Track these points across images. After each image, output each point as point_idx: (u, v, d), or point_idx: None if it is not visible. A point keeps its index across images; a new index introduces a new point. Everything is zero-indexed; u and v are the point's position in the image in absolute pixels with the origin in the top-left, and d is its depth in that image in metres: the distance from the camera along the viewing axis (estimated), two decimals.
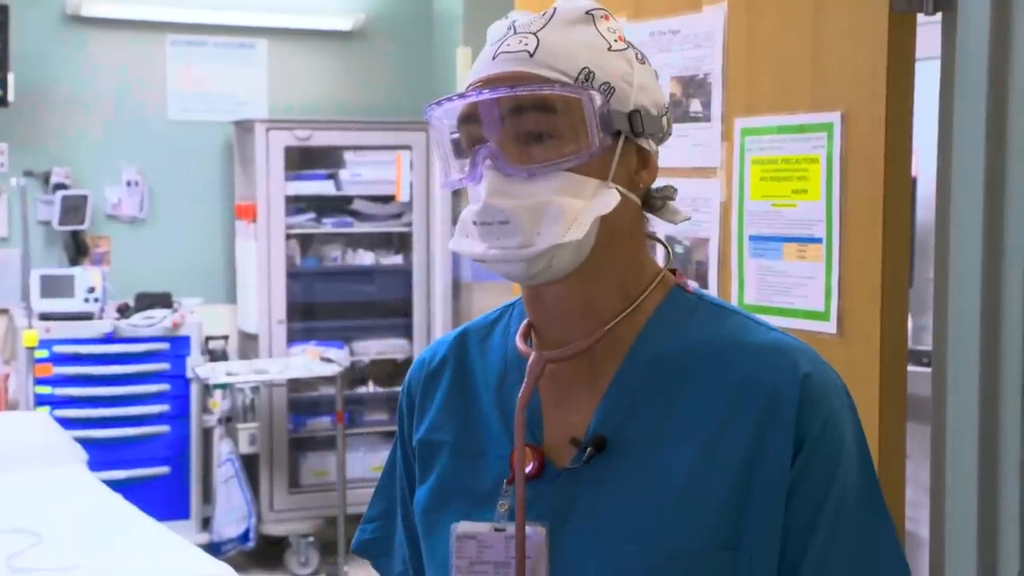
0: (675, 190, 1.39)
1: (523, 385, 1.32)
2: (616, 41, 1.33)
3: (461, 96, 1.30)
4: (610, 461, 1.30)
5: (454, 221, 5.80)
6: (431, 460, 1.43)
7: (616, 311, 1.32)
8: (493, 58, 1.30)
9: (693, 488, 1.27)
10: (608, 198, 1.27)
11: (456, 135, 1.33)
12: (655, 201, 1.37)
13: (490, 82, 1.29)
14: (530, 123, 1.27)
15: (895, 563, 1.32)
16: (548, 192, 1.25)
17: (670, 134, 1.38)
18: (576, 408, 1.34)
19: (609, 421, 1.31)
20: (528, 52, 1.28)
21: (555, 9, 1.33)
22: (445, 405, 1.44)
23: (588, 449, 1.30)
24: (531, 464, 1.32)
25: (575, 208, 1.25)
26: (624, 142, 1.30)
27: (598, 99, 1.27)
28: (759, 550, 1.26)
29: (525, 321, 1.39)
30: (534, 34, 1.30)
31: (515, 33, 1.31)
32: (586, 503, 1.30)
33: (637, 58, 1.34)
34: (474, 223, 1.28)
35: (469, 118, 1.30)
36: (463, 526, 1.34)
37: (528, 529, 1.29)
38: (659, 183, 1.38)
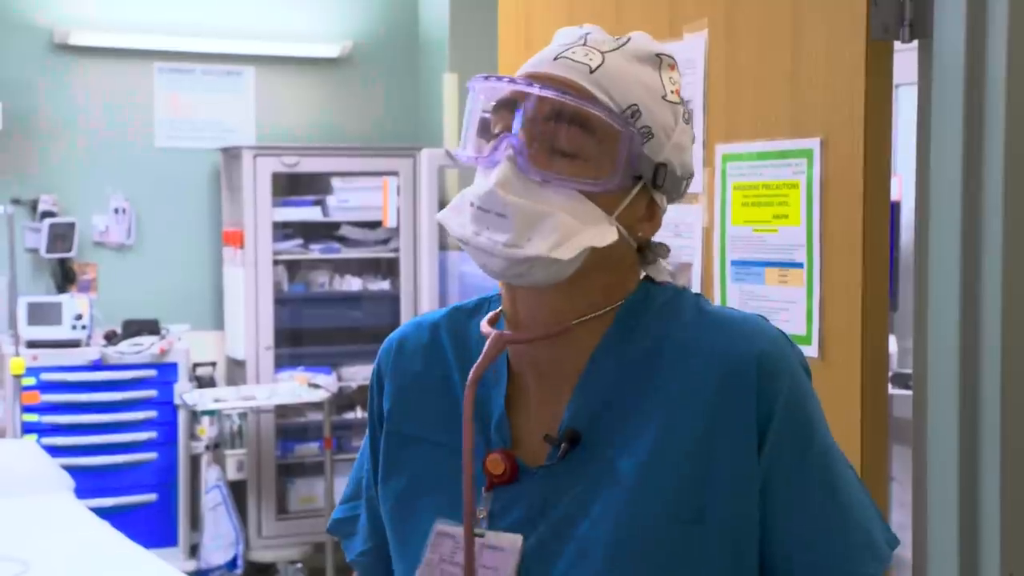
0: (668, 250, 1.40)
1: (478, 361, 1.33)
2: (672, 93, 1.33)
3: (512, 80, 1.29)
4: (585, 455, 1.31)
5: (441, 247, 5.84)
6: (403, 451, 1.43)
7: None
8: (555, 59, 1.30)
9: (654, 462, 1.27)
10: (606, 233, 1.28)
11: (487, 114, 1.33)
12: (647, 254, 1.38)
13: (543, 79, 1.29)
14: (564, 135, 1.27)
15: (867, 504, 1.35)
16: (553, 204, 1.26)
17: (681, 197, 1.39)
18: (547, 410, 1.35)
19: (581, 416, 1.32)
20: (589, 68, 1.28)
21: (629, 39, 1.34)
22: (418, 396, 1.44)
23: (562, 445, 1.30)
24: (503, 469, 1.32)
25: (572, 228, 1.25)
26: (640, 188, 1.31)
27: (636, 140, 1.28)
28: (727, 525, 1.27)
29: (496, 310, 1.40)
30: (602, 53, 1.30)
31: (584, 44, 1.31)
32: (562, 500, 1.30)
33: (684, 117, 1.35)
34: (471, 204, 1.28)
35: (508, 104, 1.30)
36: (443, 525, 1.34)
37: (501, 539, 1.31)
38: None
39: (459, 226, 1.29)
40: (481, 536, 1.32)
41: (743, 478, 1.27)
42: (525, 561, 1.30)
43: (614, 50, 1.31)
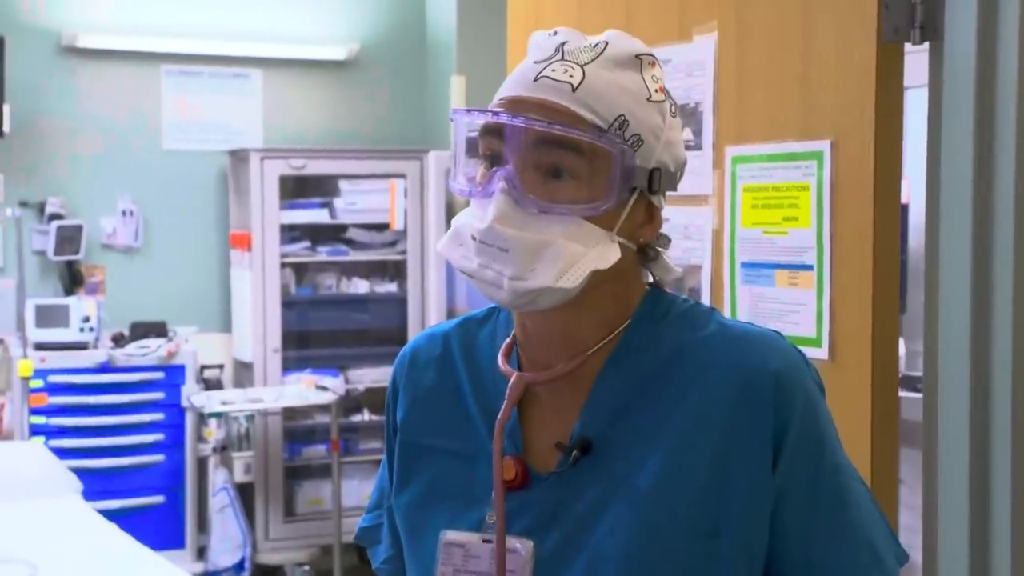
0: (669, 241, 1.39)
1: (503, 406, 1.33)
2: (656, 92, 1.31)
3: (495, 113, 1.28)
4: (596, 463, 1.31)
5: None
6: (417, 461, 1.43)
7: (598, 339, 1.33)
8: (535, 79, 1.28)
9: (670, 474, 1.27)
10: (609, 252, 1.27)
11: (474, 134, 1.31)
12: (649, 251, 1.36)
13: (525, 104, 1.27)
14: (555, 158, 1.25)
15: (877, 519, 1.35)
16: (554, 232, 1.25)
17: (678, 184, 1.38)
18: (559, 417, 1.34)
19: (593, 425, 1.32)
20: (571, 86, 1.26)
21: (607, 43, 1.31)
22: (431, 407, 1.44)
23: (573, 452, 1.30)
24: (514, 475, 1.32)
25: (575, 254, 1.25)
26: (637, 196, 1.30)
27: (628, 155, 1.26)
28: (740, 540, 1.27)
29: (509, 338, 1.39)
30: (581, 66, 1.28)
31: (562, 59, 1.29)
32: (573, 508, 1.31)
33: (671, 111, 1.33)
34: (473, 237, 1.27)
35: (494, 132, 1.28)
36: (452, 534, 1.35)
37: (515, 543, 1.31)
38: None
39: (463, 259, 1.29)
40: (491, 541, 1.32)
41: (757, 493, 1.27)
42: (539, 566, 1.30)
43: (593, 60, 1.29)
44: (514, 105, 1.28)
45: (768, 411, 1.27)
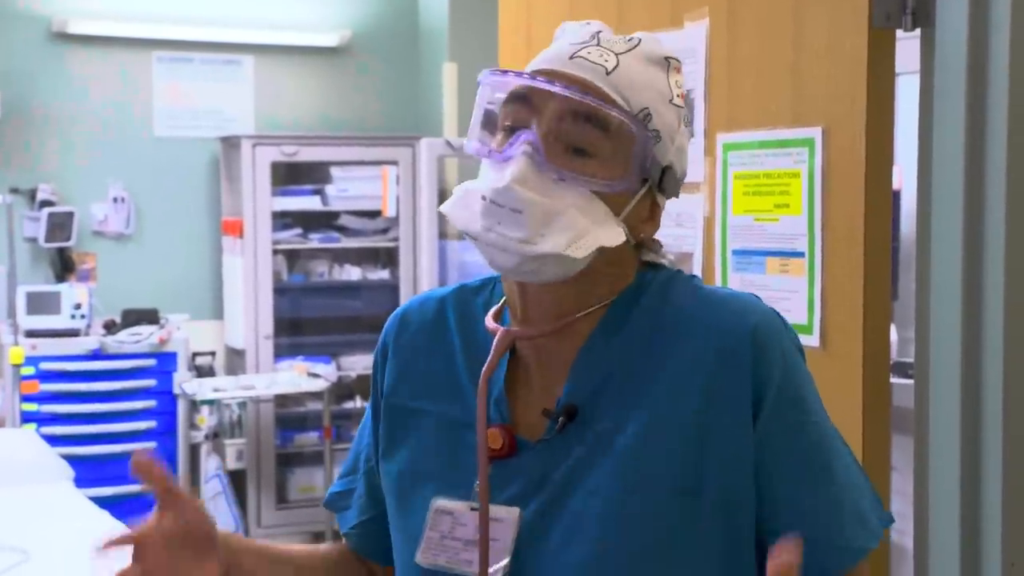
0: (661, 245, 1.41)
1: (488, 358, 1.34)
2: (678, 97, 1.35)
3: (532, 77, 1.30)
4: (582, 429, 1.32)
5: (441, 236, 5.83)
6: (406, 426, 1.44)
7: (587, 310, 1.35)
8: (571, 57, 1.30)
9: (650, 435, 1.29)
10: (615, 233, 1.29)
11: (492, 106, 1.33)
12: (643, 250, 1.39)
13: (560, 77, 1.29)
14: (581, 133, 1.28)
15: (861, 481, 1.36)
16: (567, 202, 1.26)
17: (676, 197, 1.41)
18: (546, 388, 1.36)
19: (579, 392, 1.33)
20: (606, 69, 1.29)
21: (640, 40, 1.34)
22: (422, 371, 1.45)
23: (560, 418, 1.32)
24: (501, 443, 1.33)
25: (584, 226, 1.26)
26: (646, 189, 1.32)
27: (649, 143, 1.30)
28: (721, 497, 1.27)
29: (500, 303, 1.41)
30: (616, 55, 1.31)
31: (598, 44, 1.32)
32: (559, 473, 1.32)
33: (684, 120, 1.36)
34: (483, 198, 1.27)
35: (522, 99, 1.30)
36: (442, 501, 1.36)
37: (500, 511, 1.32)
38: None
39: (467, 220, 1.29)
40: (479, 509, 1.33)
41: (738, 450, 1.28)
42: (523, 532, 1.31)
43: (627, 51, 1.32)
44: (549, 77, 1.30)
45: (747, 369, 1.29)
